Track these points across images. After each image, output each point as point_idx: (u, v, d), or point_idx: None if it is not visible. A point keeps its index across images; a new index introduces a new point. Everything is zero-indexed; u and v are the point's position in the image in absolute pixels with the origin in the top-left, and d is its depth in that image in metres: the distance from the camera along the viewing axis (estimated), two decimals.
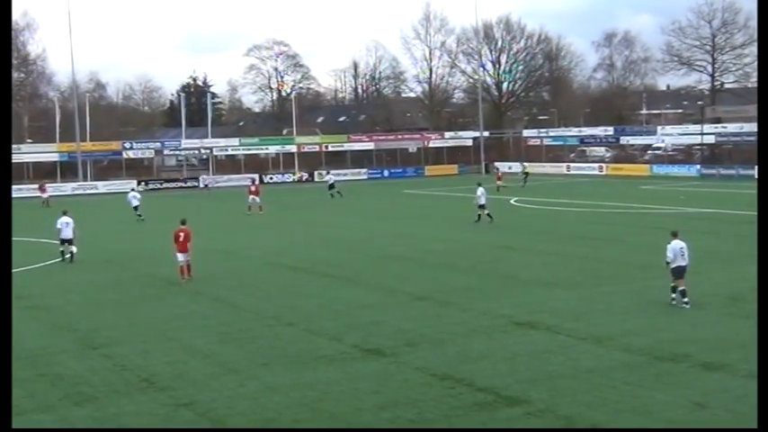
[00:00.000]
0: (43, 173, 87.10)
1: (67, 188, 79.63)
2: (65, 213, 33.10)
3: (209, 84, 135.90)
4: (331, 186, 62.63)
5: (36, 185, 72.35)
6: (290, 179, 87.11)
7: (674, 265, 20.89)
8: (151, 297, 24.54)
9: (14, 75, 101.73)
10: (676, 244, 21.03)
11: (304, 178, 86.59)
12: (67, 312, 22.61)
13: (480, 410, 13.54)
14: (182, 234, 26.89)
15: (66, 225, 32.48)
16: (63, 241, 32.38)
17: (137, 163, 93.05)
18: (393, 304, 22.32)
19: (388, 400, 14.14)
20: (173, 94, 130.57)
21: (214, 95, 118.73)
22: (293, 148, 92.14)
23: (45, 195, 65.75)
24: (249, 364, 16.54)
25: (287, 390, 14.78)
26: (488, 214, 41.02)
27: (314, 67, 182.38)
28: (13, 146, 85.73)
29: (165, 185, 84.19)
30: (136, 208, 48.81)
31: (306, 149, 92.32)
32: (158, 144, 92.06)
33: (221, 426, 13.27)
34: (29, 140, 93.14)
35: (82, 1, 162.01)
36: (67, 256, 32.29)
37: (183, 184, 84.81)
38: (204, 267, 28.56)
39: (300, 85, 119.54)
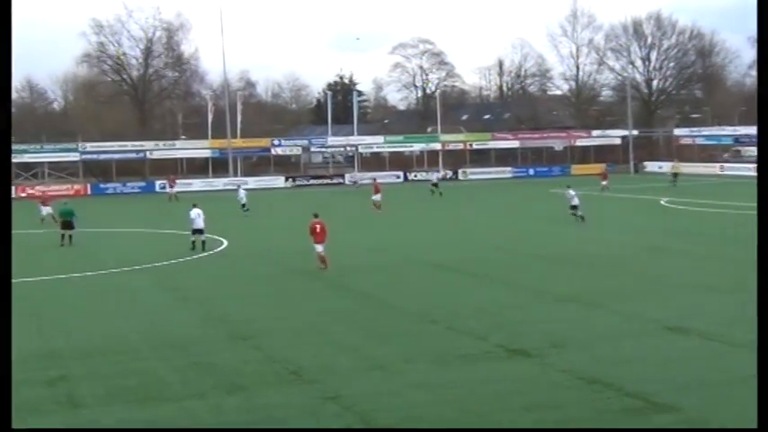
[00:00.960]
0: (196, 168, 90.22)
1: (219, 184, 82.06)
2: (195, 206, 35.11)
3: (355, 82, 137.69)
4: (435, 185, 63.32)
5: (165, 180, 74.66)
6: (435, 177, 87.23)
7: None
8: (298, 291, 25.01)
9: (169, 73, 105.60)
10: None
11: (448, 176, 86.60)
12: (219, 304, 23.26)
13: (629, 416, 13.20)
14: (317, 226, 28.42)
15: (198, 216, 34.33)
16: (195, 231, 34.25)
17: (284, 160, 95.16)
18: (539, 305, 22.06)
19: (533, 401, 13.95)
20: (319, 93, 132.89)
21: (360, 93, 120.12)
22: (438, 146, 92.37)
23: (172, 190, 67.44)
24: (394, 360, 16.62)
25: (432, 387, 14.78)
26: (581, 216, 40.62)
27: (458, 64, 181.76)
28: (168, 142, 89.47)
29: (311, 182, 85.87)
30: (243, 205, 50.22)
31: (450, 147, 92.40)
32: (306, 141, 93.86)
33: (368, 423, 13.37)
34: (182, 137, 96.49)
35: (234, 1, 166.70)
36: (198, 245, 34.16)
37: (330, 181, 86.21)
38: (349, 262, 29.01)
39: (445, 82, 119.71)
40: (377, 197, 51.34)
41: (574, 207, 41.39)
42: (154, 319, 21.44)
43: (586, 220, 40.83)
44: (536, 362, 16.35)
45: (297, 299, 23.72)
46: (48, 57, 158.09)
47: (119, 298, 24.49)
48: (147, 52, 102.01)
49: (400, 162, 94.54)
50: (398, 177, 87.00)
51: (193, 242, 34.21)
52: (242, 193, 52.18)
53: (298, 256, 31.83)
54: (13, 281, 27.83)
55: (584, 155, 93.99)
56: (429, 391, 14.55)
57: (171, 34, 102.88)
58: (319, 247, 28.35)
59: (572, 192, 41.89)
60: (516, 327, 19.36)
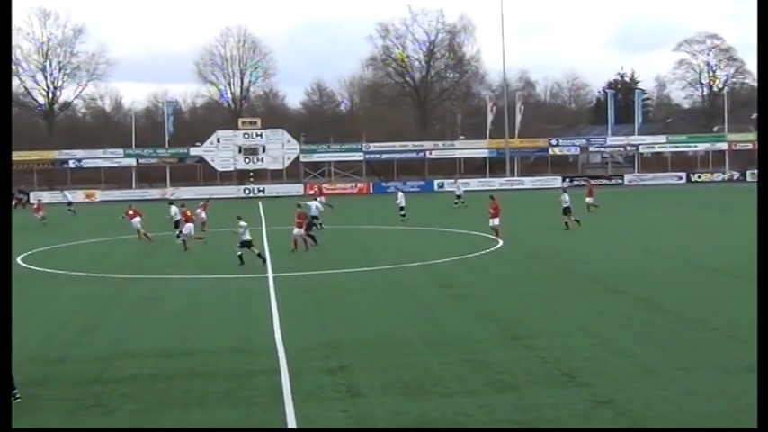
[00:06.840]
0: (473, 168, 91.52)
1: (495, 183, 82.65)
2: (240, 219, 32.64)
3: (637, 80, 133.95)
4: None
5: None
6: (720, 178, 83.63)
7: None
8: (572, 292, 24.74)
9: (450, 75, 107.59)
10: None
11: (735, 177, 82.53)
12: (492, 303, 23.48)
13: None
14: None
15: (245, 229, 31.84)
16: (243, 244, 31.70)
17: (562, 160, 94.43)
18: None
19: None
20: (599, 92, 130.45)
21: (642, 92, 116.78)
22: (724, 146, 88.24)
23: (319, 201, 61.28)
24: (669, 367, 16.11)
25: (709, 397, 14.23)
26: None
27: (749, 60, 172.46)
28: (447, 142, 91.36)
29: (590, 182, 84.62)
30: (402, 208, 48.08)
31: (738, 147, 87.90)
32: (584, 141, 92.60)
33: (639, 426, 13.08)
34: (461, 137, 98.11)
35: (516, 1, 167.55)
36: (244, 259, 31.13)
37: (608, 182, 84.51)
38: (624, 265, 28.44)
39: (734, 79, 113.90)
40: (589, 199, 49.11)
41: None
42: (428, 314, 22.00)
43: None
44: None
45: (570, 300, 23.46)
46: (337, 61, 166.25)
47: (395, 293, 25.33)
48: (430, 54, 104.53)
49: (683, 162, 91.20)
50: (680, 179, 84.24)
51: (239, 256, 31.43)
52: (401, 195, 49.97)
53: (574, 258, 31.58)
54: (298, 273, 29.55)
55: None
56: (706, 401, 14.02)
57: (453, 36, 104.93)
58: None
59: None
60: None
